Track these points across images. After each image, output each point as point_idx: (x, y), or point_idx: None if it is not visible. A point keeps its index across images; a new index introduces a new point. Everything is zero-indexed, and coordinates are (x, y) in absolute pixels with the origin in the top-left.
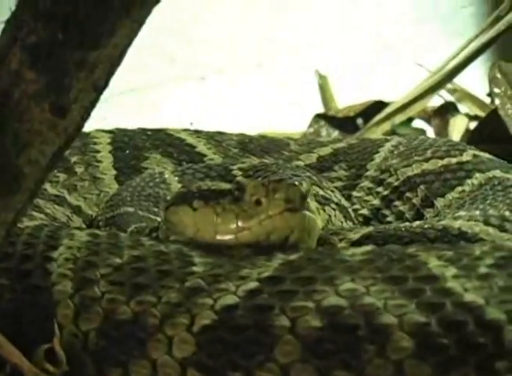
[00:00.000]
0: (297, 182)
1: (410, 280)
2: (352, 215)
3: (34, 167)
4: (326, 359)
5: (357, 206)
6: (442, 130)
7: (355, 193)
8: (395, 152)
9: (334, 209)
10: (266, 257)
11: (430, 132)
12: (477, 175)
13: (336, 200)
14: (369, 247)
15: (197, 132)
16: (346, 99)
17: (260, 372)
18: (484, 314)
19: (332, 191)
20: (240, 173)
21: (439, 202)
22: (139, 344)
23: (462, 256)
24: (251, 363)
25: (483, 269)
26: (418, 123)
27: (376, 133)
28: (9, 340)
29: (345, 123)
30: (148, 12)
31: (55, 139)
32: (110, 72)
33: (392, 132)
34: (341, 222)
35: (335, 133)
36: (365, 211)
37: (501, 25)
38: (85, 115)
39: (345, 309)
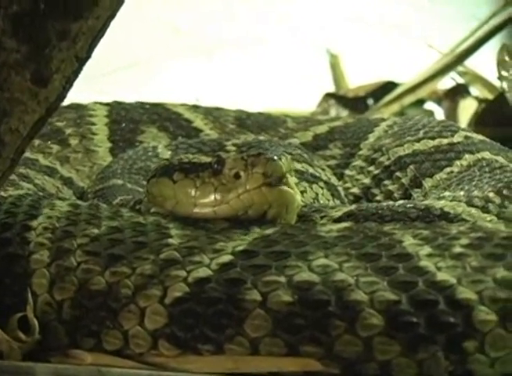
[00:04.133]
0: (275, 157)
1: (384, 257)
2: (342, 193)
3: (14, 135)
4: (295, 334)
5: (348, 184)
6: (452, 112)
7: (347, 172)
8: (389, 131)
9: (322, 188)
10: (243, 231)
11: (441, 114)
12: (467, 156)
13: (325, 178)
14: (346, 224)
15: (195, 107)
16: (357, 79)
17: (230, 345)
18: (456, 293)
19: (322, 169)
20: (234, 149)
21: (427, 182)
22: (112, 314)
23: (438, 235)
24: (221, 336)
25: (458, 249)
26: (429, 105)
27: (385, 114)
28: None
29: (355, 103)
30: None
31: (35, 108)
32: (93, 43)
33: (401, 113)
34: (328, 201)
35: (344, 113)
36: (356, 190)
37: None
38: (67, 85)
39: (317, 284)
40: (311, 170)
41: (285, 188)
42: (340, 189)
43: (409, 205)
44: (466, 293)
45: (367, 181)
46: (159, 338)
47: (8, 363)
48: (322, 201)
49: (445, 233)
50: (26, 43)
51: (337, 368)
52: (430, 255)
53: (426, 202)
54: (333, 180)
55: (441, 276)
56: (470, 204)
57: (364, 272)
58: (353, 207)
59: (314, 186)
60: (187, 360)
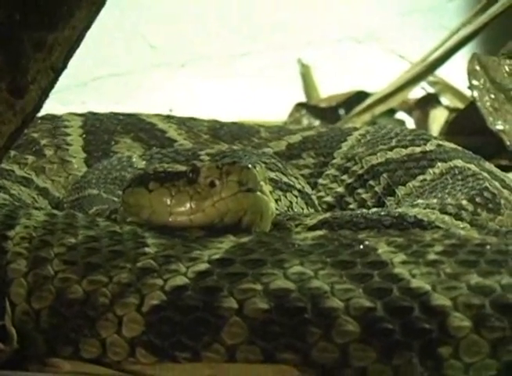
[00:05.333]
0: (250, 165)
1: (359, 265)
2: (315, 202)
3: None
4: (272, 341)
5: (322, 193)
6: (423, 122)
7: (320, 181)
8: (362, 140)
9: (296, 196)
10: (218, 239)
11: (411, 124)
12: (439, 164)
13: (299, 187)
14: (321, 232)
15: (169, 117)
16: (328, 89)
17: (207, 352)
18: (430, 300)
19: (296, 178)
20: (208, 158)
21: (400, 191)
22: (90, 323)
23: (412, 243)
24: (198, 344)
25: (432, 256)
26: (400, 115)
27: (356, 123)
28: None
29: (327, 112)
30: None
31: (12, 119)
32: (69, 54)
33: (373, 123)
34: (302, 209)
35: (316, 122)
36: (329, 199)
37: (483, 18)
38: (43, 96)
39: (292, 291)
40: (285, 179)
41: (260, 195)
42: (313, 197)
43: (383, 213)
44: (440, 299)
45: (341, 189)
46: (136, 345)
47: None
48: (296, 209)
49: (418, 241)
50: (2, 54)
51: (314, 374)
52: (404, 262)
53: (400, 210)
54: (307, 189)
55: (416, 282)
56: (443, 211)
57: (339, 280)
58: (328, 215)
59: (288, 194)
60: (164, 368)
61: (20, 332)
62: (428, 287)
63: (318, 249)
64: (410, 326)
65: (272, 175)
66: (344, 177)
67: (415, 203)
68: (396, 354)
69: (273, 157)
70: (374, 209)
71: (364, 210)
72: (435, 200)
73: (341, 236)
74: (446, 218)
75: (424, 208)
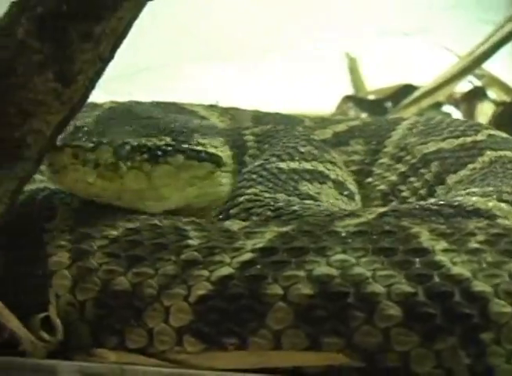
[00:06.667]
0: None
1: (400, 252)
2: (353, 191)
3: (38, 136)
4: (316, 326)
5: (377, 182)
6: (470, 115)
7: (375, 170)
8: (414, 130)
9: (331, 187)
10: (260, 229)
11: (458, 117)
12: (488, 152)
13: (333, 177)
14: (363, 219)
15: (212, 107)
16: (375, 82)
17: (253, 338)
18: (471, 286)
19: (333, 163)
20: (252, 137)
21: (451, 179)
22: (136, 313)
23: (455, 231)
24: (245, 330)
25: (473, 245)
26: (446, 108)
27: (404, 116)
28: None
29: (374, 105)
30: None
31: (59, 109)
32: (116, 44)
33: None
34: (337, 200)
35: (363, 115)
36: (383, 187)
37: None
38: (90, 85)
39: (335, 277)
40: (320, 167)
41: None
42: (351, 187)
43: (441, 203)
44: (481, 286)
45: (394, 178)
46: (184, 334)
47: (31, 360)
48: (331, 201)
49: (461, 229)
50: (49, 44)
51: (360, 360)
52: (445, 250)
53: (459, 199)
54: (342, 175)
55: (457, 270)
56: (500, 199)
57: (381, 266)
58: (387, 208)
59: (324, 186)
60: (211, 356)
61: (65, 323)
62: (469, 274)
63: (360, 236)
64: (451, 311)
65: (308, 166)
66: (398, 166)
67: (471, 191)
68: (438, 339)
69: (309, 143)
70: (432, 200)
71: (422, 201)
72: (491, 188)
73: (384, 223)
74: (503, 205)
75: (481, 196)
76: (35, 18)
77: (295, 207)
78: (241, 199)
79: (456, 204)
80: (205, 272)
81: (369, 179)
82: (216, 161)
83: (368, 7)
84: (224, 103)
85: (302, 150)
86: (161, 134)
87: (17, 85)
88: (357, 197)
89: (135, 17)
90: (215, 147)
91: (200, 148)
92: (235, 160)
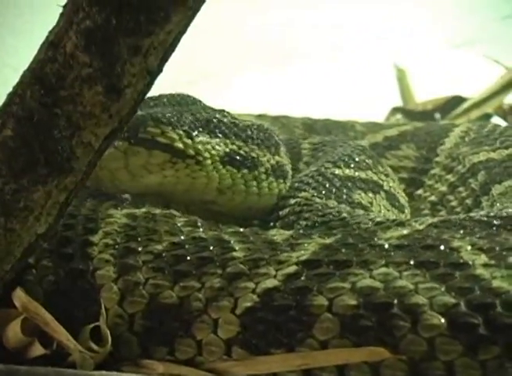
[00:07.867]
0: None
1: (441, 266)
2: (404, 204)
3: (86, 149)
4: (362, 335)
5: (427, 193)
6: None
7: (426, 181)
8: (466, 139)
9: (383, 198)
10: (304, 241)
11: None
12: None
13: (386, 188)
14: (405, 231)
15: (262, 115)
16: (424, 94)
17: (301, 348)
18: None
19: (386, 175)
20: (309, 146)
21: (496, 189)
22: (185, 325)
23: (495, 245)
24: (293, 340)
25: None
26: (495, 120)
27: None
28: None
29: (423, 117)
30: (203, 0)
31: (108, 122)
32: (164, 58)
33: None
34: (388, 211)
35: None
36: (433, 198)
37: None
38: (139, 98)
39: (379, 289)
40: (375, 177)
41: None
42: (401, 198)
43: (491, 214)
44: None
45: (444, 188)
46: (232, 345)
47: (80, 372)
48: (383, 212)
49: (502, 243)
50: (98, 58)
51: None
52: (485, 265)
53: (509, 210)
54: (394, 187)
55: (497, 283)
56: None
57: (423, 280)
58: (436, 219)
59: (377, 196)
60: (255, 362)
61: (114, 334)
62: (509, 288)
63: (402, 249)
64: (493, 321)
65: (363, 175)
66: (448, 176)
67: None
68: (481, 349)
69: (364, 153)
70: (482, 211)
71: (472, 213)
72: None
73: (426, 236)
74: None
75: None
76: (83, 32)
77: (344, 215)
78: (292, 201)
79: (505, 215)
80: (251, 285)
81: (420, 191)
82: (173, 152)
83: (418, 19)
84: (273, 112)
85: (357, 158)
86: None
87: (66, 98)
88: (407, 210)
89: (184, 30)
90: (194, 142)
91: (156, 138)
92: (233, 160)
